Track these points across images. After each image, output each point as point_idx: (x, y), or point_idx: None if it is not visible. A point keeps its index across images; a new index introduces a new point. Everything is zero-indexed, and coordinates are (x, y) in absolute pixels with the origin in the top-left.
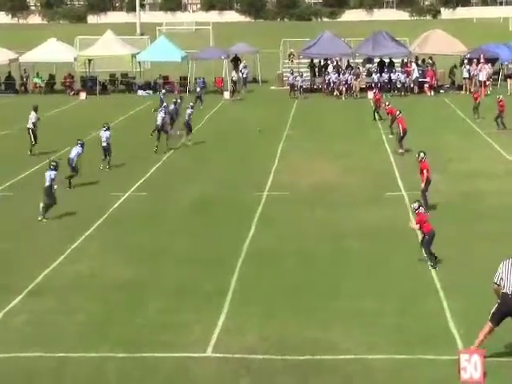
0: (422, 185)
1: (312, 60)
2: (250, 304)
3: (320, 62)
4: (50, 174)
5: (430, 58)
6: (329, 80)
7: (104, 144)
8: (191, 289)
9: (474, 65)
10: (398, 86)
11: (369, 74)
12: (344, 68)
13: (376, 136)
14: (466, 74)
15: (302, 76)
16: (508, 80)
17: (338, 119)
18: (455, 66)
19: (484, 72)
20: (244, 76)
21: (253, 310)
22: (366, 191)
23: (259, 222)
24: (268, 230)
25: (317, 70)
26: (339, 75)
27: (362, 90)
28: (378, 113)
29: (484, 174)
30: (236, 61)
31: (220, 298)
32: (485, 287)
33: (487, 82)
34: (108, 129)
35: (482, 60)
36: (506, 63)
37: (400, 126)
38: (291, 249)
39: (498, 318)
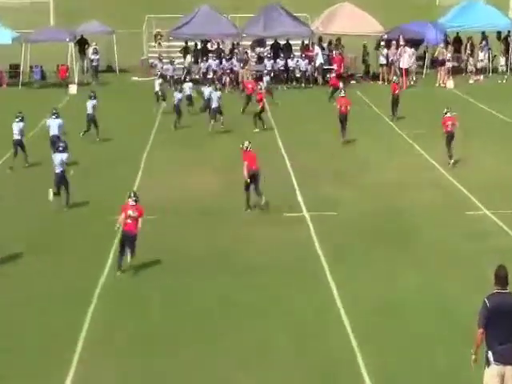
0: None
1: (186, 42)
2: None
3: (196, 44)
4: (61, 157)
5: (338, 39)
6: (207, 68)
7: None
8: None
9: (393, 48)
10: (298, 75)
11: (260, 60)
12: (228, 52)
13: (269, 138)
14: (382, 60)
15: (172, 63)
16: (439, 68)
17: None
18: (366, 51)
19: (405, 57)
20: (94, 64)
21: None
22: (258, 211)
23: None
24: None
25: (192, 55)
26: (221, 62)
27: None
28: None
29: (405, 186)
30: (83, 44)
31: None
32: None
33: (410, 70)
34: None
35: (402, 42)
36: (434, 46)
37: None
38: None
39: None
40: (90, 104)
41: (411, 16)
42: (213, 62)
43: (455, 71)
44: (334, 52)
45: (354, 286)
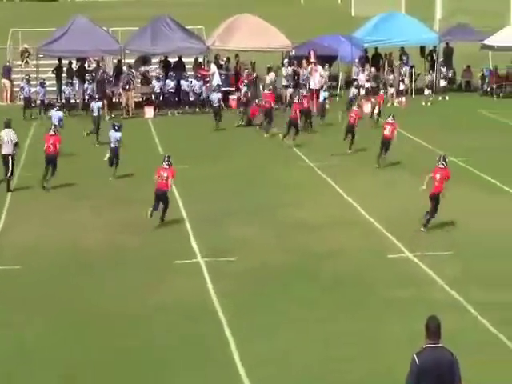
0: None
1: (60, 60)
2: None
3: (70, 63)
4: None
5: (237, 55)
6: (84, 91)
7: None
8: None
9: (304, 66)
10: (191, 98)
11: (146, 80)
12: (112, 73)
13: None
14: (284, 81)
15: (43, 86)
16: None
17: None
18: (270, 69)
19: (317, 76)
20: None
21: None
22: (146, 257)
23: None
24: None
25: (65, 75)
26: (99, 84)
27: (137, 104)
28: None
29: (319, 226)
30: None
31: None
32: None
33: (322, 91)
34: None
35: (313, 59)
36: (349, 63)
37: None
38: None
39: None
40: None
41: (323, 29)
42: (89, 86)
43: (374, 93)
44: (244, 71)
45: (257, 349)
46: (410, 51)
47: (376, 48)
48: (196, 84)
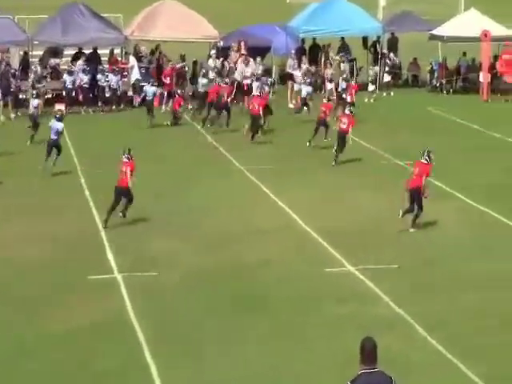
0: None
1: None
2: None
3: None
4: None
5: (157, 47)
6: None
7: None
8: None
9: (233, 57)
10: (107, 94)
11: (56, 74)
12: (18, 66)
13: (72, 181)
14: (212, 75)
15: None
16: (289, 84)
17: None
18: (195, 63)
19: (248, 70)
20: None
21: None
22: (54, 272)
23: None
24: None
25: None
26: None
27: (47, 101)
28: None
29: (250, 235)
30: None
31: None
32: None
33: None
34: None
35: (243, 51)
36: (283, 55)
37: None
38: None
39: None
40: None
41: (255, 17)
42: None
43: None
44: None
45: (180, 374)
46: (352, 42)
47: (314, 39)
48: (113, 79)
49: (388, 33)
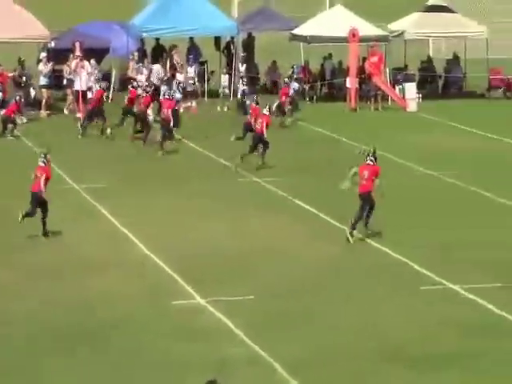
0: None
1: None
2: None
3: None
4: None
5: None
6: None
7: None
8: None
9: (72, 62)
10: None
11: None
12: None
13: None
14: (43, 80)
15: None
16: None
17: None
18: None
19: (83, 75)
20: None
21: None
22: None
23: None
24: None
25: None
26: None
27: None
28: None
29: (85, 267)
30: None
31: None
32: None
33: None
34: None
35: (78, 53)
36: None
37: None
38: None
39: None
40: None
41: (93, 13)
42: None
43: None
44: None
45: None
46: (202, 43)
47: (157, 39)
48: None
49: (244, 32)
